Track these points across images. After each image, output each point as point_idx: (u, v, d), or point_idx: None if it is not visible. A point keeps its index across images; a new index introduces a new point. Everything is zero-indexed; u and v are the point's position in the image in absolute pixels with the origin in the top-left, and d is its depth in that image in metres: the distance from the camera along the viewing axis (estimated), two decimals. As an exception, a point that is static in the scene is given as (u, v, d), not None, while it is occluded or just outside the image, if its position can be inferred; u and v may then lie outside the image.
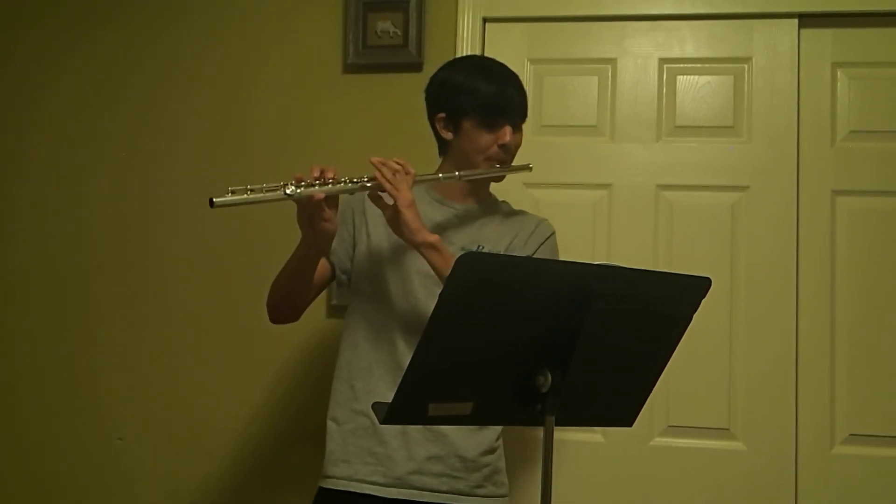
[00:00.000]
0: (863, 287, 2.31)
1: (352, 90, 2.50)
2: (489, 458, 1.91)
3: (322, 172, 1.75)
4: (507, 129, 1.88)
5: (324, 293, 2.26)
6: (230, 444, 2.48)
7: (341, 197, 1.85)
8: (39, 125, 2.66)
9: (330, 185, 1.74)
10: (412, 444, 1.85)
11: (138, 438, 2.52)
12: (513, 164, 1.93)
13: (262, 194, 1.71)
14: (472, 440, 1.88)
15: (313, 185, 1.73)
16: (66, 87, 2.65)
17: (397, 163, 1.79)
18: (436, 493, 1.85)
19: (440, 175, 1.90)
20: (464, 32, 2.44)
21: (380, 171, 1.78)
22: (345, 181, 1.77)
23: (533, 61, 2.46)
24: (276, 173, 2.47)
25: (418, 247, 1.78)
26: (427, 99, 1.95)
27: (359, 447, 1.87)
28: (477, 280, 1.30)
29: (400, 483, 1.84)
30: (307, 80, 2.53)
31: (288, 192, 1.71)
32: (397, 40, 2.46)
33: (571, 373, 1.37)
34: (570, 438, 2.29)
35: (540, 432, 1.39)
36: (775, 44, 2.37)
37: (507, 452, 2.29)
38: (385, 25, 2.47)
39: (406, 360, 1.82)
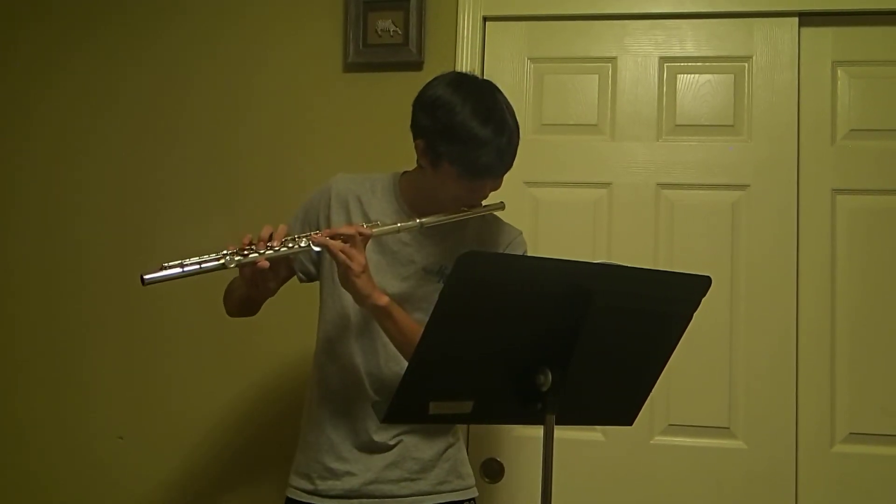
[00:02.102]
0: (863, 286, 2.31)
1: (352, 89, 2.50)
2: (449, 452, 1.91)
3: (271, 237, 1.70)
4: (487, 188, 1.80)
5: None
6: (231, 443, 2.48)
7: (308, 198, 1.89)
8: (38, 124, 2.65)
9: (273, 251, 1.70)
10: (367, 456, 1.85)
11: (139, 437, 2.52)
12: (485, 203, 1.85)
13: (198, 267, 1.65)
14: (426, 441, 1.87)
15: (256, 252, 1.69)
16: (66, 85, 2.65)
17: (345, 234, 1.71)
18: (397, 499, 1.85)
19: (398, 225, 1.79)
20: (464, 31, 2.44)
21: (330, 247, 1.69)
22: (292, 243, 1.72)
23: (533, 60, 2.46)
24: (276, 171, 2.50)
25: (369, 310, 1.75)
26: (413, 115, 1.81)
27: (317, 462, 1.88)
28: (477, 279, 1.30)
29: (359, 494, 1.85)
30: (307, 79, 2.53)
31: (228, 262, 1.67)
32: (398, 39, 2.46)
33: (572, 371, 1.37)
34: (571, 437, 2.28)
35: (540, 431, 1.39)
36: (776, 42, 2.37)
37: (507, 450, 2.30)
38: (385, 24, 2.47)
39: (357, 374, 1.84)
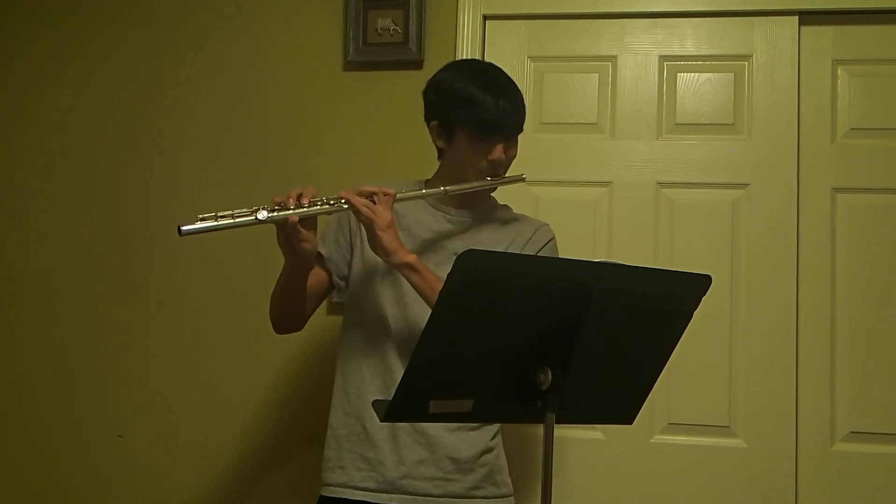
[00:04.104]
0: (863, 284, 2.31)
1: (352, 88, 2.50)
2: (486, 457, 1.89)
3: (300, 196, 1.74)
4: (499, 147, 1.84)
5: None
6: (231, 443, 2.48)
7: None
8: (39, 124, 2.65)
9: (305, 208, 1.73)
10: (402, 448, 1.84)
11: (139, 436, 2.52)
12: (506, 175, 1.90)
13: (231, 220, 1.70)
14: (464, 441, 1.86)
15: (288, 209, 1.72)
16: (66, 85, 2.64)
17: (369, 190, 1.77)
18: (430, 498, 1.83)
19: (423, 191, 1.85)
20: (464, 30, 2.44)
21: (352, 199, 1.75)
22: (322, 202, 1.75)
23: (533, 59, 2.46)
24: (277, 170, 2.51)
25: (396, 267, 1.78)
26: (424, 103, 1.91)
27: (352, 452, 1.87)
28: (477, 277, 1.30)
29: (392, 488, 1.83)
30: (307, 78, 2.53)
31: (260, 216, 1.70)
32: (398, 38, 2.46)
33: (572, 370, 1.37)
34: (571, 436, 2.28)
35: (540, 430, 1.39)
36: (776, 41, 2.37)
37: (508, 449, 2.29)
38: (385, 23, 2.47)
39: (396, 365, 1.84)
